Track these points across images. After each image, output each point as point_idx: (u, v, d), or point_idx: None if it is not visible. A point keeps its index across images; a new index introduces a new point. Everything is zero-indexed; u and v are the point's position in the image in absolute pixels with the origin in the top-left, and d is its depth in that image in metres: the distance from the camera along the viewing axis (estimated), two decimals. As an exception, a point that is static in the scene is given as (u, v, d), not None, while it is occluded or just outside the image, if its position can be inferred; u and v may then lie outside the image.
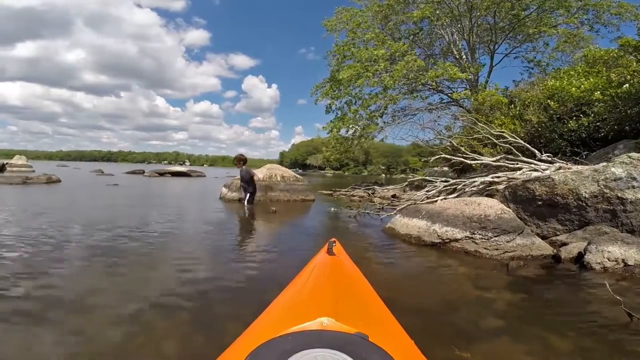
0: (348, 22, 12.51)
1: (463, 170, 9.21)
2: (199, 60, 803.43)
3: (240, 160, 6.93)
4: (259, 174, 8.98)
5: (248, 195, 6.68)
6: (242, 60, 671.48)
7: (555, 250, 3.47)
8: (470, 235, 3.43)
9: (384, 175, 71.21)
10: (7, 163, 18.81)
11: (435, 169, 14.87)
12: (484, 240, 3.37)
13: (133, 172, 22.87)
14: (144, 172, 22.45)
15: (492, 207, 3.62)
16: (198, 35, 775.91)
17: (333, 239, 1.75)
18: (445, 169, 13.14)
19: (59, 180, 12.04)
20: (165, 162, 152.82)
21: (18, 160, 19.51)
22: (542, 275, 2.97)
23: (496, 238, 3.36)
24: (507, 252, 3.29)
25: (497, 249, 3.30)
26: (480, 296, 2.46)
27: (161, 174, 20.53)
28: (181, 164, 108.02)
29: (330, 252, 1.59)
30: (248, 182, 6.77)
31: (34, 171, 17.09)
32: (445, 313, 2.13)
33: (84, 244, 3.50)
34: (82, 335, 1.71)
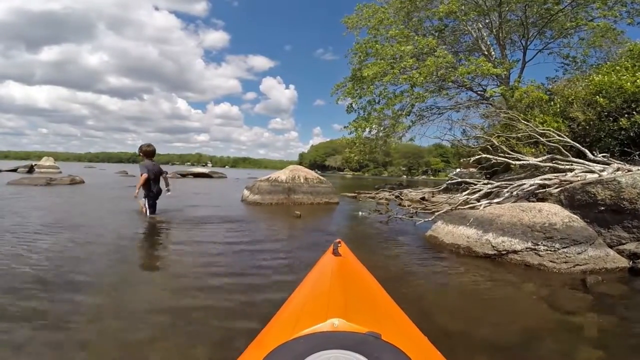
0: (370, 19, 12.12)
1: (495, 172, 8.69)
2: (218, 62, 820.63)
3: (147, 152, 5.38)
4: (282, 175, 8.63)
5: (147, 200, 5.28)
6: (260, 62, 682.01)
7: (631, 263, 3.04)
8: (532, 247, 3.02)
9: (405, 176, 70.25)
10: (35, 165, 19.38)
11: (459, 170, 14.29)
12: (549, 252, 2.96)
13: (156, 174, 23.05)
14: (167, 173, 22.63)
15: (556, 214, 3.19)
16: (218, 37, 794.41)
17: (338, 240, 1.72)
18: (473, 170, 12.60)
19: (82, 182, 12.14)
20: (188, 163, 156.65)
21: (46, 161, 20.08)
22: (627, 292, 2.56)
23: (565, 249, 2.94)
24: (577, 265, 2.87)
25: (565, 262, 2.88)
26: (563, 320, 2.08)
27: (184, 175, 20.64)
28: (203, 166, 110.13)
29: (336, 252, 1.55)
30: (153, 183, 5.30)
31: (60, 172, 17.48)
32: (528, 344, 1.76)
33: (101, 249, 3.28)
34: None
